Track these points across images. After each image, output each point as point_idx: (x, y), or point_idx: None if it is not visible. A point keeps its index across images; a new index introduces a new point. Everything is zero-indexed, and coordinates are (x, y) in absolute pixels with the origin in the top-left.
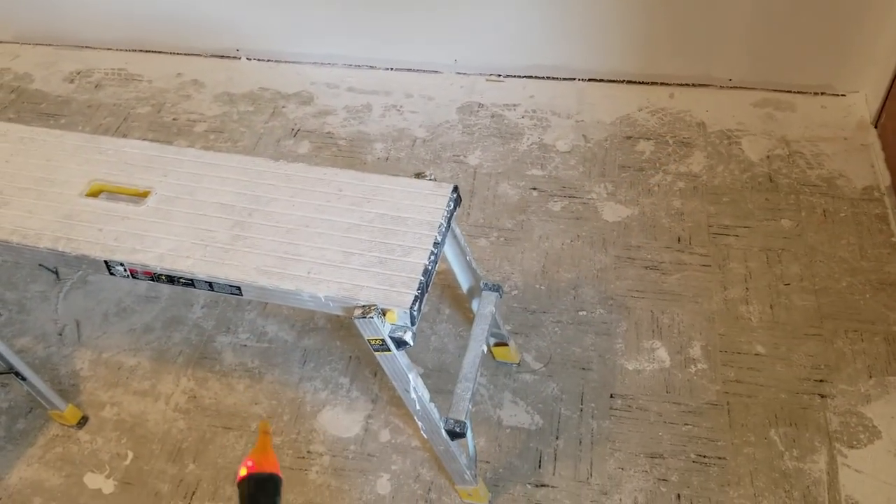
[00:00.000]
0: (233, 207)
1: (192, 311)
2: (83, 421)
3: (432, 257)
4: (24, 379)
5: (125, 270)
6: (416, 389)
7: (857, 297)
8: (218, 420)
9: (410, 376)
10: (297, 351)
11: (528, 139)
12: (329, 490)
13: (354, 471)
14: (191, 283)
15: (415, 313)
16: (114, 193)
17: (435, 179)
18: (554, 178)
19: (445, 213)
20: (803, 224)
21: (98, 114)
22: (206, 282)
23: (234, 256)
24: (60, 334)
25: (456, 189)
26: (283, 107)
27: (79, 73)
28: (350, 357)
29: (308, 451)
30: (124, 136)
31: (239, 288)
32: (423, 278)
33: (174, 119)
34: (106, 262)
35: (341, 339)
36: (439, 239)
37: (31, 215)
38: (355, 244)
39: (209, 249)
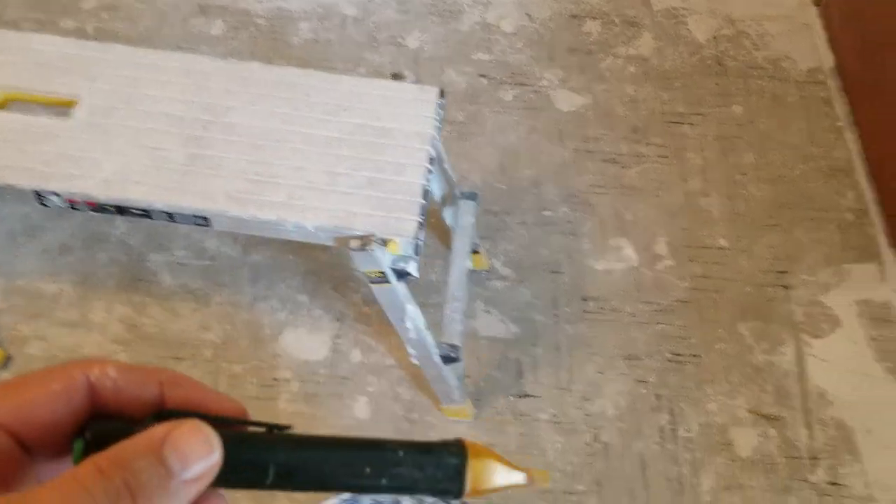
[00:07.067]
0: (182, 119)
1: (113, 225)
2: (7, 361)
3: (429, 175)
4: None
5: (63, 201)
6: (414, 319)
7: (811, 184)
8: (165, 349)
9: (408, 307)
10: (244, 268)
11: (469, 18)
12: (303, 417)
13: (328, 395)
14: (146, 213)
15: (419, 242)
16: (29, 104)
17: (416, 81)
18: (502, 64)
19: (435, 123)
20: (753, 110)
21: None
22: (165, 212)
23: (196, 180)
24: None
25: (443, 93)
26: None
27: None
28: (306, 272)
29: (274, 379)
30: None
31: (206, 218)
32: (423, 201)
33: None
34: (37, 192)
35: (293, 252)
36: (433, 153)
37: None
38: (339, 162)
39: (163, 172)
